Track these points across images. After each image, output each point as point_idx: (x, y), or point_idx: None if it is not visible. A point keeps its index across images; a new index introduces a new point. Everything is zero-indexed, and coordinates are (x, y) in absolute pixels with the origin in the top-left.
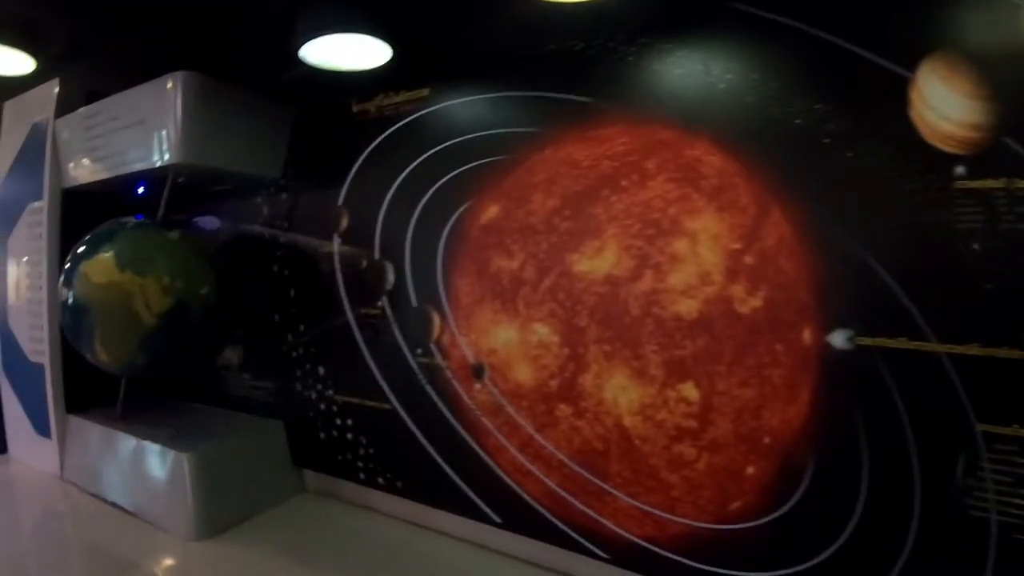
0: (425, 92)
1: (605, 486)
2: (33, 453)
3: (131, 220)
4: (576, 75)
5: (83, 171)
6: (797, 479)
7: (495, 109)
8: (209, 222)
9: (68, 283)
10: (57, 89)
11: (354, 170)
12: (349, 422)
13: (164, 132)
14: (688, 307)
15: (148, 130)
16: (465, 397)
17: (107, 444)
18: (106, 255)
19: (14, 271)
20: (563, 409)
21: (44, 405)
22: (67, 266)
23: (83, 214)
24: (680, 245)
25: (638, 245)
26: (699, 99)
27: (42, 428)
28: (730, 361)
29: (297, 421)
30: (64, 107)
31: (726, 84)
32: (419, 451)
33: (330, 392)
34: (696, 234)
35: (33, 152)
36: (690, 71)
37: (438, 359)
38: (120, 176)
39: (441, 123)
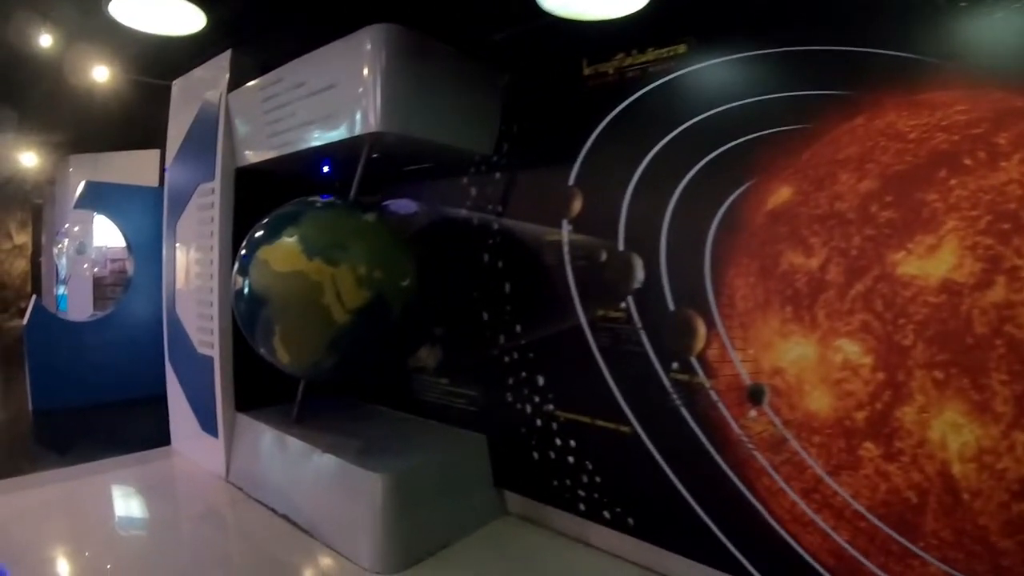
0: (682, 48)
1: (913, 547)
2: (197, 450)
3: (319, 200)
4: (894, 24)
5: (261, 147)
6: None
7: (783, 67)
8: (404, 205)
9: (244, 271)
10: (229, 60)
11: (589, 144)
12: (572, 443)
13: (361, 97)
14: None
15: (341, 96)
16: (734, 426)
17: (281, 450)
18: (290, 240)
19: (183, 256)
20: (869, 448)
21: (211, 401)
22: (243, 252)
23: (259, 197)
24: None
25: (987, 244)
26: None
27: (208, 425)
28: None
29: (504, 437)
30: (236, 81)
31: None
32: (663, 485)
33: (550, 407)
34: None
35: (203, 130)
36: None
37: (700, 376)
38: (303, 152)
39: (706, 86)
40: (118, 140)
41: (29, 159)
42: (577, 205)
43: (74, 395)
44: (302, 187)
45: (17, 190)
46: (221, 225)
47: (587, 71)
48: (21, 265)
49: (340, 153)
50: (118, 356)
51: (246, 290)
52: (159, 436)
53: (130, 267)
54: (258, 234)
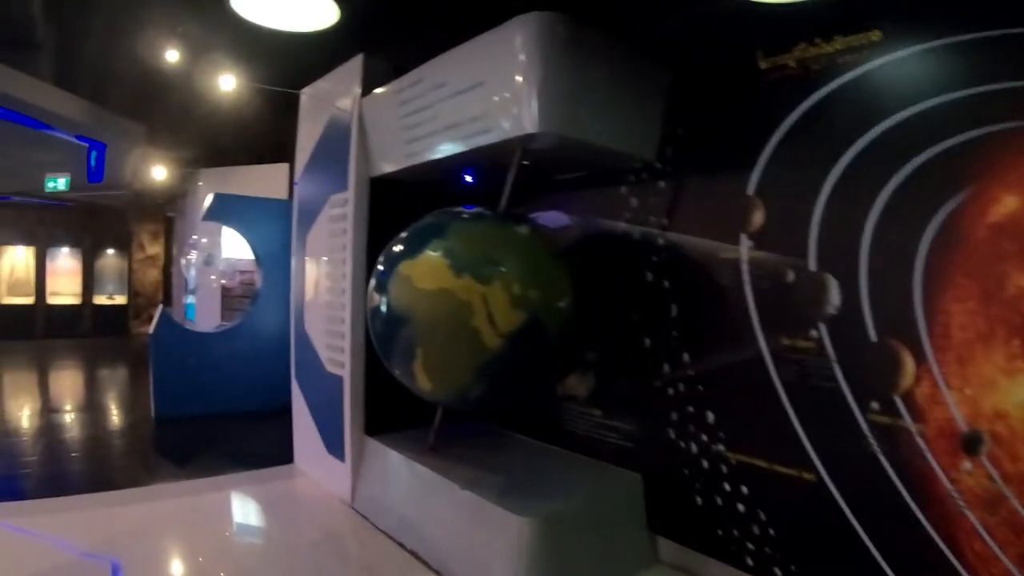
0: (876, 35)
1: None
2: (322, 472)
3: (465, 210)
4: None
5: (398, 155)
6: None
7: (1002, 52)
8: (553, 218)
9: (382, 288)
10: (361, 64)
11: (770, 147)
12: (744, 489)
13: (514, 95)
14: None
15: (490, 95)
16: (943, 478)
17: (413, 480)
18: (435, 254)
19: (313, 270)
20: None
21: (339, 423)
22: (380, 267)
23: (395, 208)
24: None
25: None
26: None
27: (335, 448)
28: None
29: (663, 478)
30: (369, 85)
31: None
32: (849, 542)
33: (720, 447)
34: None
35: (335, 138)
36: None
37: (905, 419)
38: (446, 159)
39: (908, 78)
40: (247, 154)
41: (160, 173)
42: (758, 217)
43: (196, 404)
44: (442, 198)
45: (150, 203)
46: (355, 237)
47: (763, 64)
48: (154, 275)
49: (486, 160)
50: (243, 368)
51: (384, 308)
52: (282, 453)
53: (258, 279)
54: (398, 248)
